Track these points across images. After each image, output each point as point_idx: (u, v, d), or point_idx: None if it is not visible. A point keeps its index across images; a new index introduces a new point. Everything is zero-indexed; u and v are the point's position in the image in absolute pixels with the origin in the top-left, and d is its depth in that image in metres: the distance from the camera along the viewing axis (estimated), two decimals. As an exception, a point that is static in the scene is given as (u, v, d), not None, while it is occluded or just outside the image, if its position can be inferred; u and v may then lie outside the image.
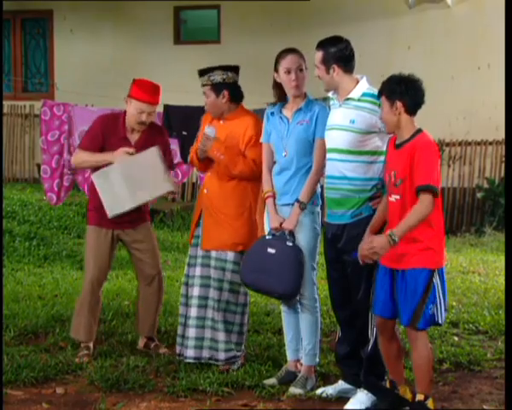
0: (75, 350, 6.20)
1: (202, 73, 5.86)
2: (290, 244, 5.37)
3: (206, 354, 5.84)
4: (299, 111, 5.44)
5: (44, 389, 5.51)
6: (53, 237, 10.65)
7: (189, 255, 5.96)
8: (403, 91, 4.77)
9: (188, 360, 5.83)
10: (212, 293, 5.83)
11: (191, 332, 5.86)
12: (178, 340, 5.98)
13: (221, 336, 5.83)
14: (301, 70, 5.43)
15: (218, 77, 5.79)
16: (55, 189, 9.07)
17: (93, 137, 6.09)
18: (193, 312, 5.86)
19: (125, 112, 6.12)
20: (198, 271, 5.87)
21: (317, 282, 5.59)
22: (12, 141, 14.71)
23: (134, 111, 6.02)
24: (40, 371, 5.67)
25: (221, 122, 5.87)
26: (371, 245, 4.70)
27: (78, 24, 14.89)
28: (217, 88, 5.79)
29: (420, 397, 4.82)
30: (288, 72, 5.43)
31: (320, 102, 5.44)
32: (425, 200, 4.66)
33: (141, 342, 6.34)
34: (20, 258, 9.90)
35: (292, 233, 5.39)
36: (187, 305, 5.93)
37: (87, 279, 6.13)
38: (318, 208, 5.48)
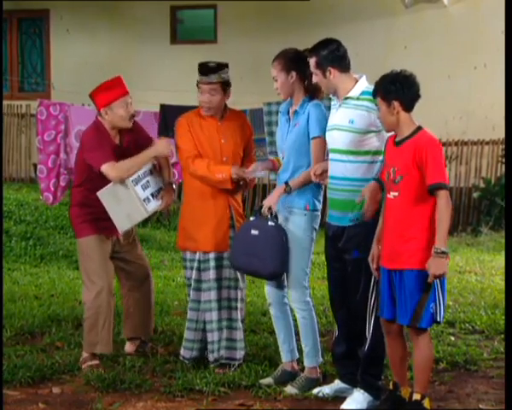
0: (72, 350, 6.19)
1: (212, 70, 5.74)
2: (272, 224, 5.38)
3: (223, 354, 5.81)
4: (296, 113, 5.44)
5: (41, 389, 5.50)
6: (49, 237, 10.65)
7: (197, 260, 5.81)
8: (398, 90, 4.77)
9: (215, 364, 5.78)
10: (232, 293, 5.82)
11: (216, 336, 5.79)
12: (188, 345, 5.89)
13: (239, 334, 5.83)
14: (276, 80, 5.44)
15: (226, 75, 5.77)
16: (52, 188, 9.06)
17: (103, 146, 5.81)
18: (214, 316, 5.78)
19: (100, 123, 5.92)
20: (213, 274, 5.77)
21: (310, 286, 5.55)
22: (8, 141, 14.68)
23: (121, 111, 5.85)
24: (36, 371, 5.66)
25: (219, 123, 5.82)
26: (431, 273, 4.67)
27: (75, 24, 14.89)
28: (225, 86, 5.76)
29: (417, 397, 4.83)
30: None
31: (314, 103, 5.40)
32: (443, 196, 4.70)
33: (131, 346, 6.24)
34: (17, 258, 9.91)
35: (274, 214, 5.38)
36: (198, 310, 5.85)
37: (102, 289, 5.85)
38: (317, 213, 5.47)
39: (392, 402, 4.97)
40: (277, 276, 5.48)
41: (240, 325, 5.84)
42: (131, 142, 5.95)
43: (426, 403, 4.82)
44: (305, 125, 5.37)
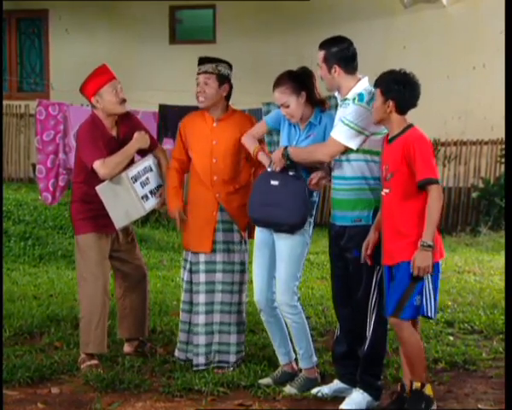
0: (70, 350, 6.19)
1: (209, 60, 5.78)
2: (292, 173, 5.32)
3: (215, 358, 5.80)
4: (309, 124, 5.39)
5: (40, 389, 5.50)
6: (48, 237, 10.64)
7: (189, 261, 5.86)
8: (398, 91, 4.78)
9: (200, 368, 5.76)
10: (222, 297, 5.78)
11: (201, 340, 5.78)
12: (181, 346, 5.94)
13: (233, 338, 5.81)
14: (287, 106, 5.34)
15: (224, 69, 5.77)
16: (51, 188, 9.05)
17: (96, 142, 5.81)
18: (201, 319, 5.78)
19: (95, 116, 5.93)
20: (202, 277, 5.78)
21: (298, 289, 5.49)
22: (7, 141, 14.68)
23: (110, 96, 5.86)
24: (35, 371, 5.66)
25: (214, 125, 5.80)
26: (414, 265, 4.70)
27: (74, 24, 14.89)
28: (221, 79, 5.74)
29: (417, 385, 4.84)
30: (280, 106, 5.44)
31: (328, 113, 5.38)
32: (433, 191, 4.72)
33: (129, 347, 6.24)
34: (16, 258, 9.90)
35: (294, 164, 5.31)
36: (190, 312, 5.88)
37: (97, 289, 5.85)
38: (311, 219, 5.44)
39: (399, 405, 4.96)
40: (299, 227, 5.33)
41: (234, 328, 5.81)
42: (129, 133, 5.93)
43: (427, 390, 4.85)
44: (322, 137, 5.33)
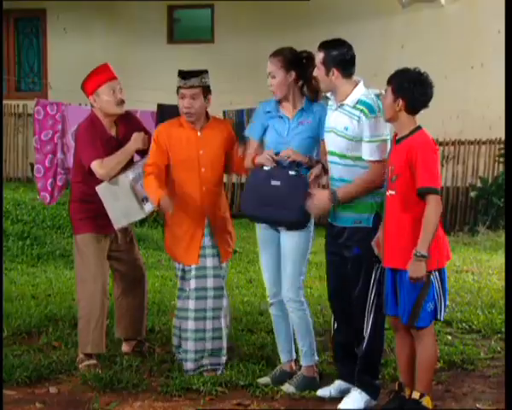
0: (68, 350, 6.19)
1: (194, 74, 5.66)
2: (293, 173, 5.30)
3: (207, 362, 5.75)
4: (300, 111, 5.39)
5: (38, 389, 5.50)
6: (46, 237, 10.63)
7: (181, 269, 5.81)
8: (409, 90, 4.77)
9: (189, 373, 5.70)
10: (213, 303, 5.73)
11: (190, 345, 5.73)
12: (174, 350, 5.93)
13: (224, 342, 5.77)
14: (273, 77, 5.36)
15: (207, 80, 5.70)
16: (49, 188, 9.01)
17: (94, 142, 5.79)
18: (190, 325, 5.73)
19: (94, 115, 5.92)
20: (193, 284, 5.73)
21: (303, 285, 5.51)
22: (5, 140, 14.66)
23: (108, 96, 5.83)
24: (33, 371, 5.65)
25: (199, 134, 5.73)
26: (411, 275, 4.68)
27: (72, 23, 14.89)
28: (206, 91, 5.68)
29: (415, 395, 4.83)
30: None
31: (319, 103, 5.38)
32: (432, 201, 4.68)
33: (127, 346, 6.24)
34: (14, 257, 9.88)
35: (294, 162, 5.31)
36: (182, 318, 5.84)
37: (96, 289, 5.83)
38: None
39: (397, 404, 4.95)
40: (304, 225, 5.35)
41: (224, 332, 5.78)
42: (128, 133, 5.90)
43: (425, 401, 4.82)
44: (316, 125, 5.35)
